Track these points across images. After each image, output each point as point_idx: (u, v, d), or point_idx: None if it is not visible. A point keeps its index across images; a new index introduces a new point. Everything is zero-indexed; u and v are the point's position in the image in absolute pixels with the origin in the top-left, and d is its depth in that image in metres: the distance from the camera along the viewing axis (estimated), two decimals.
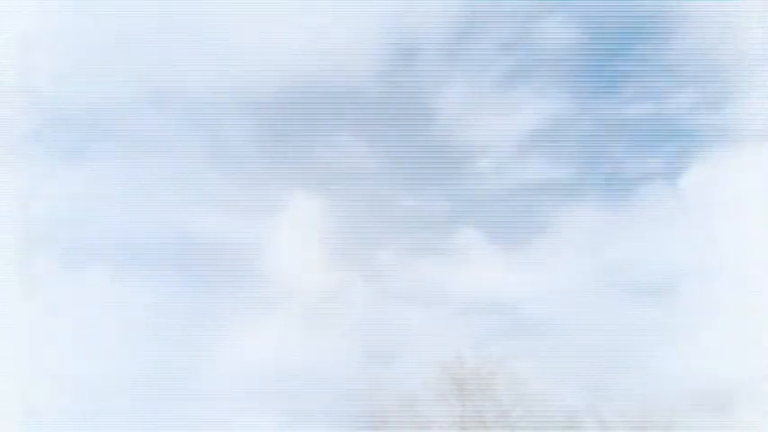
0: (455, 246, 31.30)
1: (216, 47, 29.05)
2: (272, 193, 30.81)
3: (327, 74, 30.96)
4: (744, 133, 30.76)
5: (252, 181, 30.73)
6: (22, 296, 26.21)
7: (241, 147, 31.54)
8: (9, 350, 25.60)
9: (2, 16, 27.26)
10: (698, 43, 31.76)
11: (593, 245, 31.13)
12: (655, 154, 32.31)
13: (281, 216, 31.08)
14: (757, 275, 26.50)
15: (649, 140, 32.47)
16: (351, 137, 32.41)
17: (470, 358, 27.61)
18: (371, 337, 28.70)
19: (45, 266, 27.38)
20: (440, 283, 30.47)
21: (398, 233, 31.62)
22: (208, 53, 28.89)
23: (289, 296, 29.84)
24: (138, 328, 27.43)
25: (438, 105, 32.91)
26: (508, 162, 32.70)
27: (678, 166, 31.66)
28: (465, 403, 26.67)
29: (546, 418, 25.93)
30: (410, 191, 32.25)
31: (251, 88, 30.40)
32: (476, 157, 32.91)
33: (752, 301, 26.07)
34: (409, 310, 29.84)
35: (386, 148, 32.44)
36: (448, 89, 32.98)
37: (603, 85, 32.91)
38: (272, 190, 30.77)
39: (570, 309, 28.87)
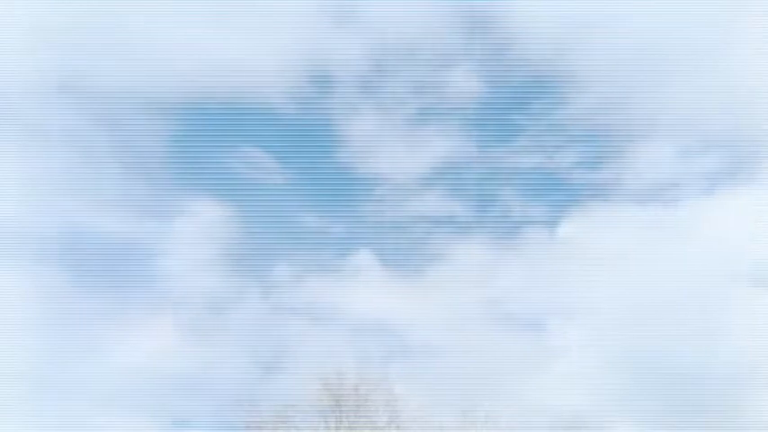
0: (350, 267, 32.64)
1: (133, 47, 29.29)
2: (173, 198, 31.08)
3: (245, 88, 31.89)
4: (620, 192, 33.90)
5: (153, 183, 30.94)
6: None
7: (147, 148, 31.75)
8: None
9: None
10: (591, 105, 34.93)
11: (478, 278, 33.10)
12: (540, 202, 35.05)
13: (180, 221, 31.37)
14: (613, 319, 29.06)
15: (536, 189, 35.26)
16: (260, 151, 33.35)
17: (351, 375, 28.45)
18: (259, 348, 29.23)
19: None
20: (332, 302, 31.52)
21: (296, 249, 32.60)
22: (122, 52, 29.03)
23: (180, 301, 30.04)
24: (16, 321, 26.64)
25: (347, 133, 34.48)
26: (408, 194, 34.53)
27: (559, 215, 34.48)
28: (341, 418, 27.48)
29: None
30: (312, 210, 33.40)
31: (165, 92, 30.86)
32: (378, 186, 34.58)
33: (605, 339, 28.50)
34: (299, 324, 30.63)
35: (293, 167, 33.56)
36: (359, 119, 34.66)
37: (501, 135, 35.59)
38: (173, 194, 31.05)
39: (453, 335, 30.30)
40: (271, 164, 33.27)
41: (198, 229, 31.46)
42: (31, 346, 26.31)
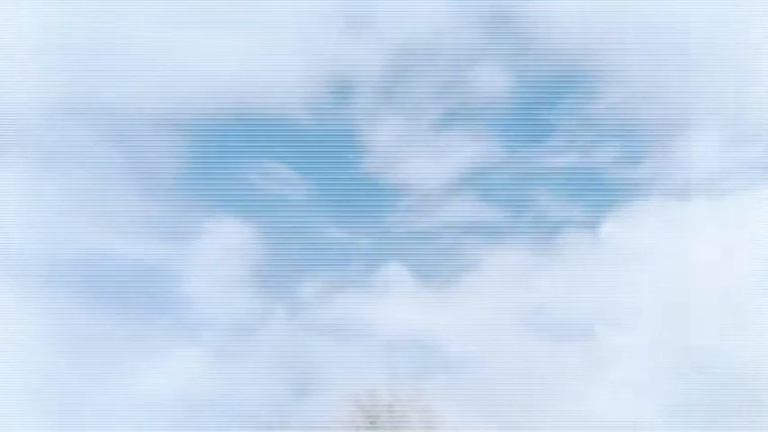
0: (379, 281, 31.31)
1: (146, 64, 28.73)
2: (192, 218, 30.29)
3: (261, 100, 31.05)
4: (662, 188, 32.12)
5: (170, 203, 30.14)
6: None
7: (163, 168, 31.04)
8: None
9: None
10: (623, 99, 33.29)
11: (515, 287, 31.57)
12: (577, 203, 33.32)
13: (201, 242, 30.54)
14: (664, 323, 27.32)
15: (573, 189, 33.54)
16: (280, 165, 32.36)
17: (385, 394, 27.18)
18: (288, 369, 28.24)
19: None
20: (362, 318, 30.31)
21: (323, 265, 31.45)
22: (136, 69, 28.48)
23: (204, 324, 29.14)
24: (39, 352, 26.00)
25: (370, 141, 33.31)
26: (436, 201, 33.14)
27: (598, 215, 32.65)
28: None
29: None
30: (337, 223, 32.22)
31: (180, 109, 30.13)
32: (405, 195, 33.27)
33: (656, 344, 26.78)
34: (329, 343, 29.52)
35: (315, 180, 32.49)
36: (381, 126, 33.47)
37: (532, 134, 34.02)
38: (191, 214, 30.25)
39: (490, 348, 29.03)
40: (291, 177, 32.20)
41: (219, 249, 30.48)
42: (52, 377, 25.69)
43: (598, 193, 33.15)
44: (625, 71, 32.89)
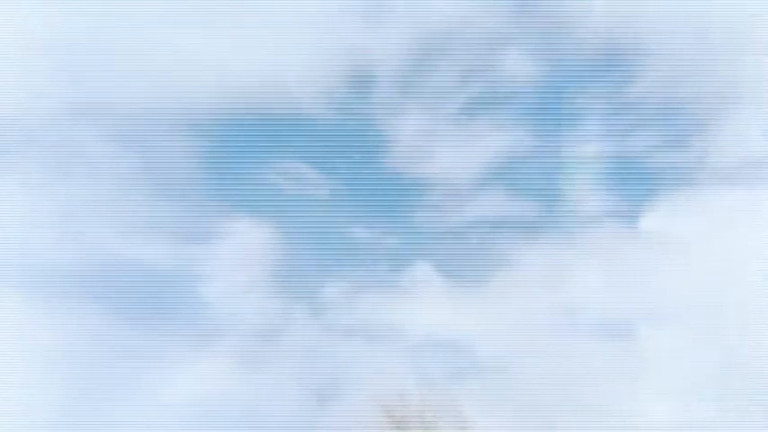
0: (406, 281, 30.44)
1: (158, 62, 28.31)
2: (211, 219, 29.86)
3: (277, 97, 30.40)
4: (705, 175, 30.57)
5: (190, 205, 29.70)
6: None
7: (180, 169, 30.56)
8: None
9: None
10: (661, 82, 31.73)
11: (550, 284, 30.35)
12: (615, 192, 31.81)
13: (220, 243, 30.05)
14: (712, 320, 25.82)
15: (610, 179, 32.06)
16: (299, 163, 31.63)
17: (414, 398, 26.40)
18: (313, 373, 27.63)
19: None
20: (388, 320, 29.42)
21: (347, 266, 30.64)
22: (148, 68, 28.11)
23: (225, 328, 28.61)
24: (56, 361, 25.71)
25: (393, 135, 32.35)
26: (464, 196, 32.03)
27: (638, 205, 31.16)
28: None
29: None
30: (361, 222, 31.33)
31: (195, 107, 29.68)
32: (431, 190, 32.25)
33: (706, 345, 25.33)
34: (355, 346, 28.75)
35: (337, 177, 31.69)
36: (403, 119, 32.47)
37: (564, 121, 32.57)
38: (211, 216, 29.81)
39: (524, 349, 28.00)
40: (312, 175, 31.38)
41: (239, 251, 29.87)
42: (73, 384, 25.46)
43: (637, 182, 31.76)
44: (664, 50, 31.37)
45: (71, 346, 25.99)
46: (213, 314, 28.88)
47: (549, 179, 31.94)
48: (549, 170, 31.99)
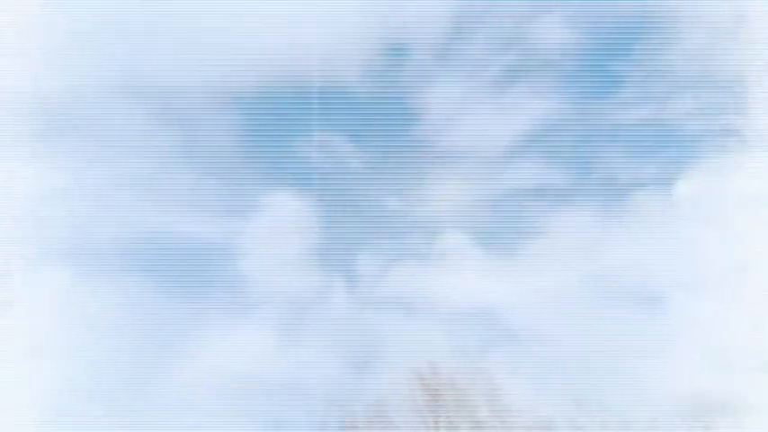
0: (441, 251, 30.46)
1: (195, 38, 28.42)
2: (248, 194, 30.11)
3: (311, 71, 30.30)
4: (743, 141, 29.73)
5: (228, 180, 30.03)
6: None
7: (217, 144, 30.90)
8: None
9: None
10: (698, 47, 30.80)
11: (583, 252, 30.08)
12: (650, 160, 31.23)
13: (258, 217, 30.39)
14: (748, 286, 25.37)
15: (646, 146, 31.44)
16: (334, 136, 31.67)
17: (448, 368, 26.64)
18: (349, 344, 27.97)
19: (3, 268, 26.52)
20: (424, 290, 29.52)
21: (382, 237, 30.79)
22: (185, 44, 28.22)
23: (265, 301, 29.12)
24: (103, 333, 26.63)
25: (427, 105, 32.11)
26: (498, 165, 31.78)
27: (673, 172, 30.56)
28: (438, 413, 25.68)
29: (520, 430, 24.90)
30: (395, 193, 31.37)
31: (230, 84, 29.86)
32: (465, 159, 32.03)
33: (741, 311, 24.96)
34: (391, 316, 29.00)
35: (371, 149, 31.67)
36: (438, 89, 32.18)
37: (600, 88, 31.93)
38: (249, 190, 30.06)
39: (559, 317, 27.93)
40: (346, 147, 31.44)
41: (276, 225, 30.23)
42: (116, 354, 26.28)
43: (673, 149, 31.10)
44: (702, 15, 30.35)
45: (116, 318, 26.87)
46: (252, 286, 29.41)
47: (585, 147, 31.46)
48: (585, 137, 31.52)
